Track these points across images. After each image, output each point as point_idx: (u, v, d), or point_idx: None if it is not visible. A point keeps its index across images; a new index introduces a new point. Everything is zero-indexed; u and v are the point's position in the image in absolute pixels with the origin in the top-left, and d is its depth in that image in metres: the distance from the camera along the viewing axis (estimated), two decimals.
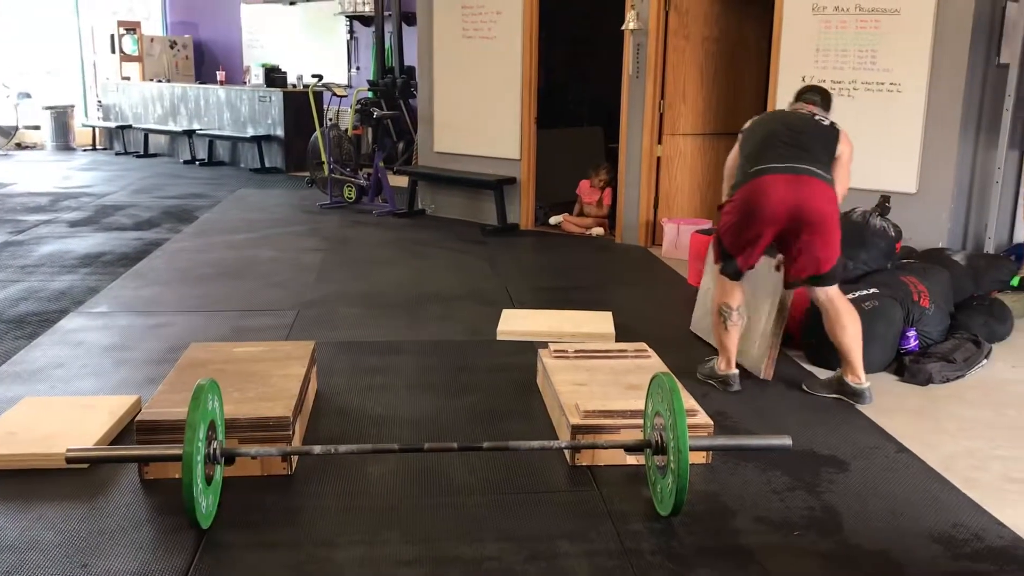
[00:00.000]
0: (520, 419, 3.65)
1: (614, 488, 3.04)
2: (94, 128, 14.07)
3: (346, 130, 9.64)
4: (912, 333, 4.33)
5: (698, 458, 3.18)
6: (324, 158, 9.15)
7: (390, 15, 11.15)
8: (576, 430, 3.18)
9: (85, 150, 13.81)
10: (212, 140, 12.33)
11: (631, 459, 3.15)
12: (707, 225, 6.49)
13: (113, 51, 13.85)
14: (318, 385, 3.92)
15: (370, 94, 10.51)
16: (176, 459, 2.63)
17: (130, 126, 13.37)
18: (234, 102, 12.03)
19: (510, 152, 7.73)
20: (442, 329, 4.92)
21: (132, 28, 13.96)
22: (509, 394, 3.93)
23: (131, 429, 3.29)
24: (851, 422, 3.66)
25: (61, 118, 13.72)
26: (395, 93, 10.68)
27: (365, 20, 12.29)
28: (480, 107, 7.87)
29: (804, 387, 4.02)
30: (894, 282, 4.50)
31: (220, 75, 12.89)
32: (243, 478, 3.01)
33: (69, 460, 2.79)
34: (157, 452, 2.87)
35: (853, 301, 4.19)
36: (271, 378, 3.45)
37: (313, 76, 10.12)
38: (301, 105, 10.98)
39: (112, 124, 13.59)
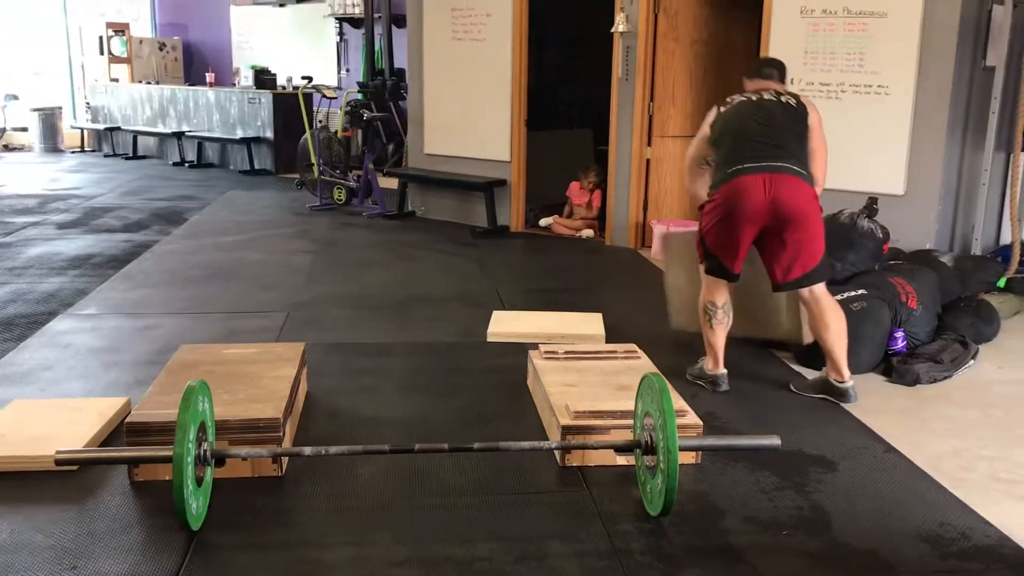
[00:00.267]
0: (510, 420, 3.65)
1: (604, 488, 3.05)
2: (82, 130, 14.02)
3: (336, 132, 9.65)
4: (900, 334, 4.35)
5: (688, 458, 3.19)
6: (314, 160, 9.15)
7: (380, 17, 11.15)
8: (566, 431, 3.19)
9: (73, 152, 13.76)
10: (201, 142, 12.30)
11: (621, 459, 3.16)
12: (696, 227, 6.51)
13: (102, 53, 13.81)
14: (308, 386, 3.92)
15: (360, 96, 10.51)
16: (166, 461, 2.63)
17: (119, 128, 13.34)
18: (223, 104, 12.01)
19: (500, 154, 7.74)
20: (432, 331, 4.92)
21: (121, 30, 13.92)
22: (499, 395, 3.93)
23: (121, 431, 3.29)
24: (839, 422, 3.68)
25: (49, 120, 13.67)
26: (385, 95, 10.68)
27: (355, 22, 12.29)
28: (470, 109, 7.87)
29: (791, 387, 4.04)
30: (882, 283, 4.52)
31: (209, 77, 12.86)
32: (233, 479, 3.01)
33: (58, 462, 2.78)
34: (147, 454, 2.87)
35: (841, 302, 4.22)
36: (261, 379, 3.45)
37: (303, 78, 10.11)
38: (291, 107, 10.97)
39: (101, 126, 13.55)
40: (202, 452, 2.73)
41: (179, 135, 12.35)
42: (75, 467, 3.05)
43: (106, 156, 13.32)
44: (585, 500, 2.98)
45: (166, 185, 10.44)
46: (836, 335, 3.83)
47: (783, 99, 3.85)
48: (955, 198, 5.80)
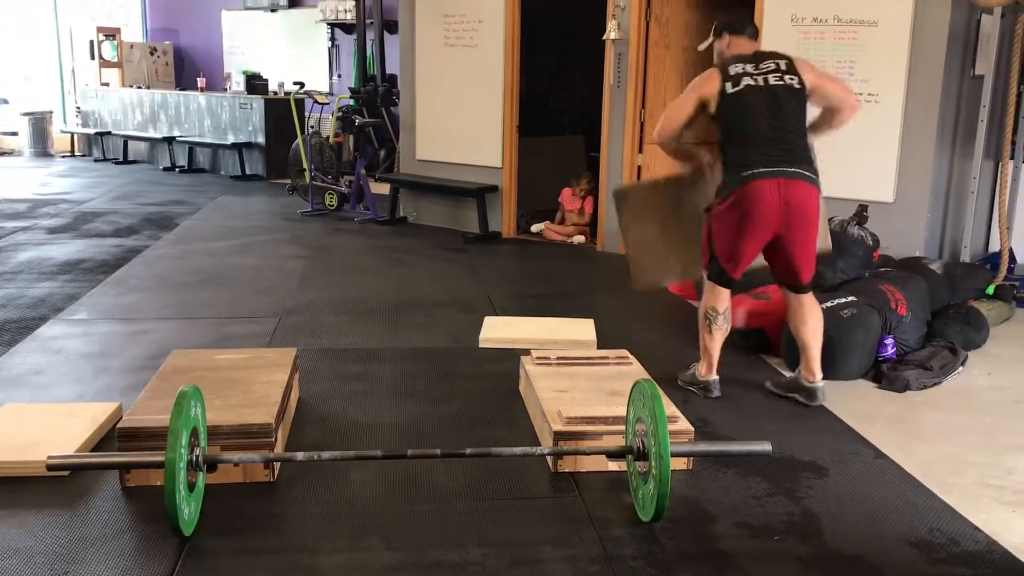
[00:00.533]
0: (502, 426, 3.66)
1: (596, 494, 3.06)
2: (73, 134, 13.98)
3: (327, 137, 9.64)
4: (890, 340, 4.38)
5: (679, 464, 3.20)
6: (306, 165, 9.14)
7: (372, 23, 11.16)
8: (558, 436, 3.20)
9: (63, 156, 13.72)
10: (192, 147, 12.28)
11: (613, 465, 3.17)
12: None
13: (92, 57, 13.77)
14: (300, 392, 3.91)
15: (352, 102, 10.51)
16: (158, 466, 2.63)
17: (109, 132, 13.30)
18: (215, 109, 12.00)
19: (492, 160, 7.75)
20: (424, 336, 4.92)
21: (112, 34, 13.89)
22: (491, 401, 3.94)
23: (112, 436, 3.27)
24: (830, 428, 3.70)
25: (39, 124, 13.63)
26: (377, 101, 10.69)
27: (347, 28, 12.30)
28: (462, 115, 7.89)
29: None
30: (872, 290, 4.55)
31: (200, 82, 12.84)
32: (225, 485, 3.01)
33: (50, 467, 2.78)
34: (139, 459, 2.87)
35: (831, 309, 4.25)
36: (253, 385, 3.45)
37: (295, 83, 10.12)
38: (282, 112, 10.97)
39: (91, 130, 13.51)
40: (194, 457, 2.73)
41: (170, 140, 12.33)
42: (67, 472, 3.04)
43: (96, 161, 13.28)
44: (577, 506, 2.98)
45: (157, 190, 10.42)
46: (812, 332, 3.86)
47: (787, 79, 3.72)
48: (944, 206, 5.84)
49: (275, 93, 11.91)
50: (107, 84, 13.81)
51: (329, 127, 10.00)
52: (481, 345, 4.70)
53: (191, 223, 8.28)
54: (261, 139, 11.46)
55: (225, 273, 6.27)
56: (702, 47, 4.23)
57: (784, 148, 3.67)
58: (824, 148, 4.00)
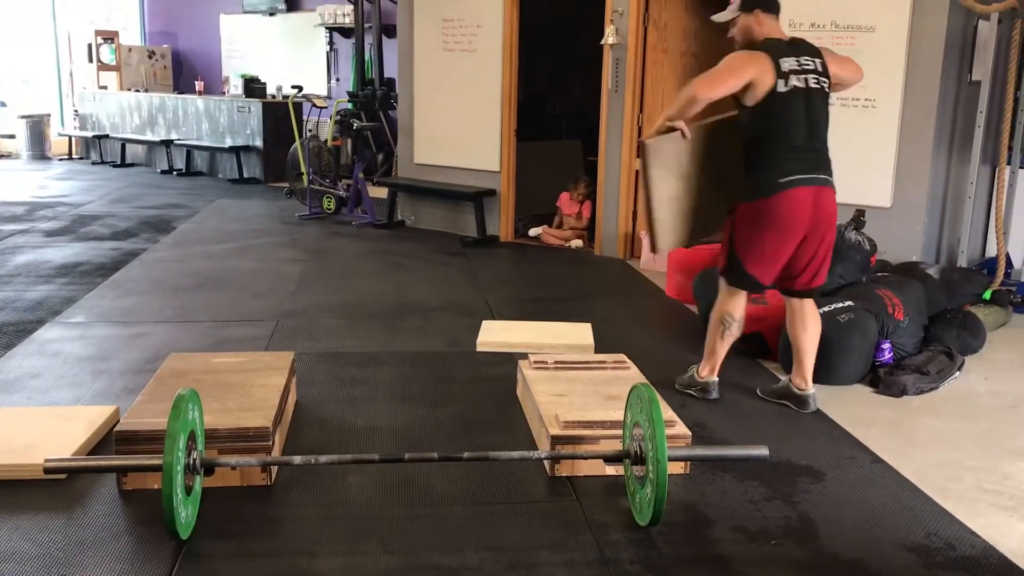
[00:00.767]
0: (500, 430, 3.66)
1: (593, 498, 3.06)
2: (70, 137, 13.98)
3: (326, 141, 9.64)
4: (887, 345, 4.38)
5: (676, 468, 3.20)
6: (304, 169, 9.15)
7: (370, 27, 11.17)
8: (556, 441, 3.20)
9: (61, 159, 13.71)
10: (190, 150, 12.28)
11: (610, 469, 3.17)
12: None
13: (90, 60, 13.78)
14: (298, 395, 3.91)
15: (350, 105, 10.51)
16: (156, 469, 2.62)
17: (107, 136, 13.30)
18: (213, 112, 12.00)
19: (490, 164, 7.76)
20: (422, 340, 4.92)
21: (110, 37, 13.90)
22: (489, 405, 3.94)
23: (109, 440, 3.28)
24: (827, 433, 3.70)
25: (37, 127, 13.63)
26: (375, 104, 10.69)
27: (345, 32, 12.31)
28: (460, 119, 7.90)
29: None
30: (869, 295, 4.56)
31: (199, 85, 12.86)
32: (222, 488, 3.01)
33: (47, 470, 2.78)
34: (137, 462, 2.86)
35: (829, 313, 4.25)
36: (251, 388, 3.44)
37: (293, 87, 10.12)
38: (280, 116, 10.98)
39: (89, 133, 13.51)
40: (191, 461, 2.73)
41: (168, 143, 12.33)
42: (63, 475, 3.04)
43: (94, 164, 13.27)
44: (574, 510, 2.98)
45: (154, 193, 10.41)
46: (810, 339, 3.86)
47: (822, 82, 3.64)
48: (941, 211, 5.85)
49: (273, 97, 11.92)
50: (105, 87, 13.82)
51: (327, 131, 10.01)
52: (479, 349, 4.70)
53: (189, 226, 8.28)
54: (259, 143, 11.46)
55: (223, 276, 6.27)
56: (721, 18, 3.83)
57: (816, 155, 3.67)
58: None
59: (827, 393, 4.05)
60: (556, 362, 3.95)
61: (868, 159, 5.68)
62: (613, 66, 6.96)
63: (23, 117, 13.56)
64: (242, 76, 12.43)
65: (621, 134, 7.02)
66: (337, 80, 12.74)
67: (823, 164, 3.68)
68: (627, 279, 6.64)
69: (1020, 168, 5.91)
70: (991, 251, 5.92)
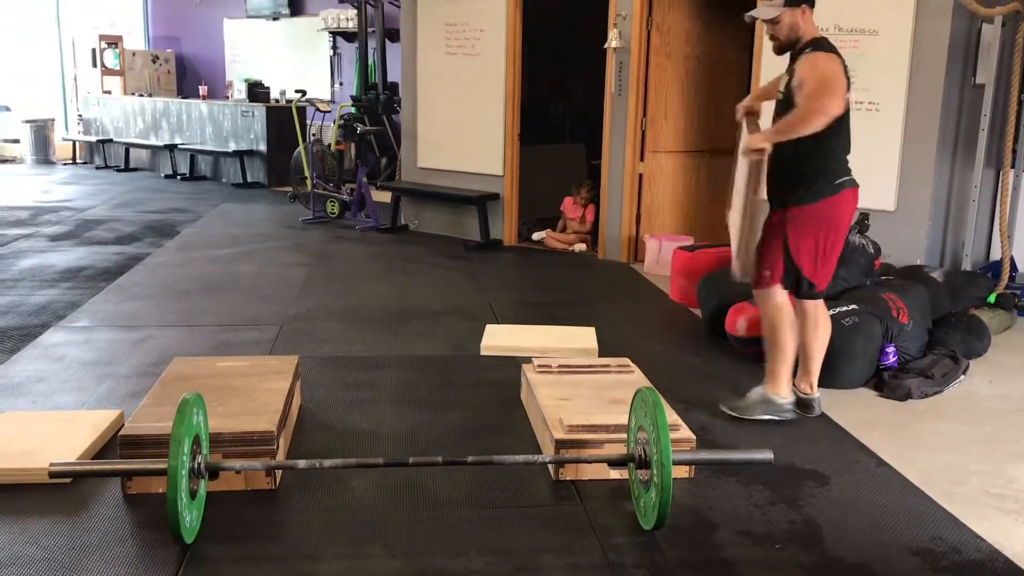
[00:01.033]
0: (504, 434, 3.66)
1: (598, 502, 3.06)
2: (74, 142, 14.01)
3: (329, 145, 9.66)
4: (891, 349, 4.38)
5: (681, 472, 3.20)
6: (307, 173, 9.16)
7: (373, 31, 11.20)
8: (560, 444, 3.20)
9: (65, 164, 13.74)
10: (194, 155, 12.30)
11: (614, 473, 3.17)
12: (689, 241, 6.55)
13: (94, 65, 13.82)
14: (302, 400, 3.92)
15: (353, 110, 10.53)
16: (161, 473, 2.63)
17: (111, 140, 13.33)
18: (216, 117, 12.02)
19: (493, 168, 7.77)
20: (426, 344, 4.92)
21: (114, 42, 13.94)
22: (493, 409, 3.94)
23: (114, 444, 3.28)
24: (831, 437, 3.69)
25: (41, 132, 13.67)
26: (378, 109, 10.71)
27: (348, 36, 12.34)
28: (463, 123, 7.90)
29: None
30: (873, 298, 4.55)
31: (202, 90, 12.89)
32: (227, 493, 3.01)
33: (52, 475, 2.78)
34: (141, 466, 2.87)
35: (833, 317, 4.24)
36: (255, 392, 3.45)
37: (296, 91, 10.14)
38: (284, 120, 10.99)
39: (93, 138, 13.54)
40: (196, 465, 2.73)
41: (172, 148, 12.36)
42: (68, 480, 3.04)
43: (98, 168, 13.30)
44: (579, 514, 2.98)
45: (158, 197, 10.43)
46: (822, 343, 3.84)
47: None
48: (945, 214, 5.85)
49: (277, 101, 11.94)
50: (109, 92, 13.85)
51: (331, 135, 10.02)
52: (482, 353, 4.70)
53: (193, 231, 8.29)
54: (263, 147, 11.48)
55: (227, 281, 6.28)
56: (766, 15, 3.59)
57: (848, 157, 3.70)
58: None
59: (831, 397, 4.04)
60: (560, 366, 3.95)
61: (872, 162, 5.66)
62: (616, 70, 6.97)
63: (27, 122, 13.59)
64: (246, 80, 12.46)
65: (624, 138, 7.02)
66: (341, 84, 12.77)
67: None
68: (631, 283, 6.64)
69: None
70: (995, 254, 5.91)
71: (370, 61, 11.34)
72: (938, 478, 3.31)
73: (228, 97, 13.33)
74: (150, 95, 13.46)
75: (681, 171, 7.31)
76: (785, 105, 3.58)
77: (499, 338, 4.84)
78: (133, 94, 13.59)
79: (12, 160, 13.79)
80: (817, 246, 3.64)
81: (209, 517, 2.84)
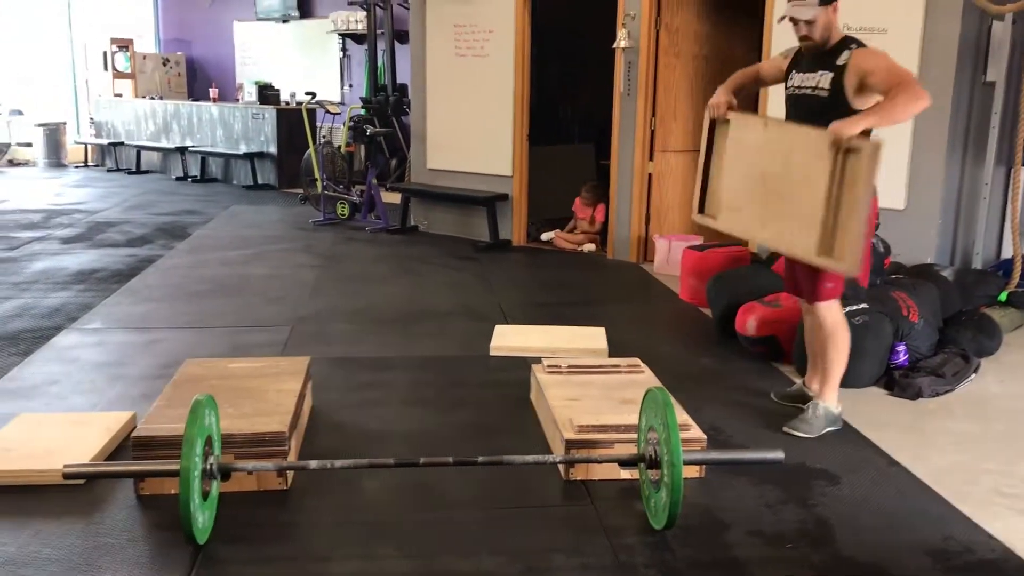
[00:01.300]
0: (514, 434, 3.67)
1: (608, 502, 3.06)
2: (86, 145, 14.08)
3: (339, 147, 9.69)
4: (902, 348, 4.37)
5: (691, 472, 3.20)
6: (317, 175, 9.19)
7: (383, 33, 11.22)
8: (570, 445, 3.20)
9: (77, 167, 13.81)
10: (205, 157, 12.35)
11: (625, 473, 3.17)
12: (698, 241, 6.54)
13: (106, 68, 13.89)
14: (313, 400, 3.93)
15: (363, 111, 10.56)
16: (173, 474, 2.65)
17: (122, 143, 13.39)
18: (227, 119, 12.07)
19: (502, 169, 7.78)
20: (436, 345, 4.94)
21: (125, 45, 14.00)
22: (503, 409, 3.95)
23: (126, 445, 3.31)
24: (842, 436, 3.69)
25: (53, 135, 13.74)
26: (388, 110, 10.73)
27: (358, 38, 12.36)
28: (473, 124, 7.92)
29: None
30: (884, 297, 4.54)
31: (213, 92, 12.94)
32: (239, 493, 3.02)
33: (66, 476, 2.80)
34: (154, 468, 2.89)
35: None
36: (266, 394, 3.46)
37: (306, 93, 10.16)
38: (294, 122, 11.02)
39: (104, 141, 13.61)
40: (208, 466, 2.75)
41: (182, 150, 12.41)
42: (82, 481, 3.06)
43: (110, 171, 13.37)
44: (589, 514, 2.99)
45: (169, 200, 10.48)
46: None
47: None
48: (956, 212, 5.82)
49: (287, 103, 11.99)
50: (120, 95, 13.92)
51: (341, 137, 10.05)
52: (492, 354, 4.71)
53: (204, 232, 8.32)
54: (273, 149, 11.52)
55: (238, 282, 6.31)
56: (805, 15, 3.47)
57: None
58: None
59: (842, 396, 4.03)
60: (570, 366, 3.95)
61: (882, 161, 5.65)
62: (625, 70, 6.97)
63: (39, 125, 13.67)
64: (256, 83, 12.51)
65: (633, 138, 7.02)
66: (350, 86, 12.79)
67: None
68: (640, 283, 6.64)
69: None
70: (1006, 253, 5.88)
71: (379, 63, 11.36)
72: (950, 477, 3.30)
73: (238, 99, 13.39)
74: (161, 98, 13.52)
75: (691, 171, 7.29)
76: (832, 103, 3.46)
77: (509, 338, 4.85)
78: (144, 97, 13.65)
79: (25, 163, 13.87)
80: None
81: (221, 518, 2.86)
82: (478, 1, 7.69)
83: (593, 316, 5.41)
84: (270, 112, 11.50)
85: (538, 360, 4.13)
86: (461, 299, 5.97)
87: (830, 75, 3.49)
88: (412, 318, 5.45)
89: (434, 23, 8.05)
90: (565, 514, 3.01)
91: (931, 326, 4.57)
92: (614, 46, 6.96)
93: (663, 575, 2.62)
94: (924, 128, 5.55)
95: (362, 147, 9.86)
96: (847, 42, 3.52)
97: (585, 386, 3.72)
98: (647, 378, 3.84)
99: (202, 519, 2.69)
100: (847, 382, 4.16)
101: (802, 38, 3.57)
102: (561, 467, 3.24)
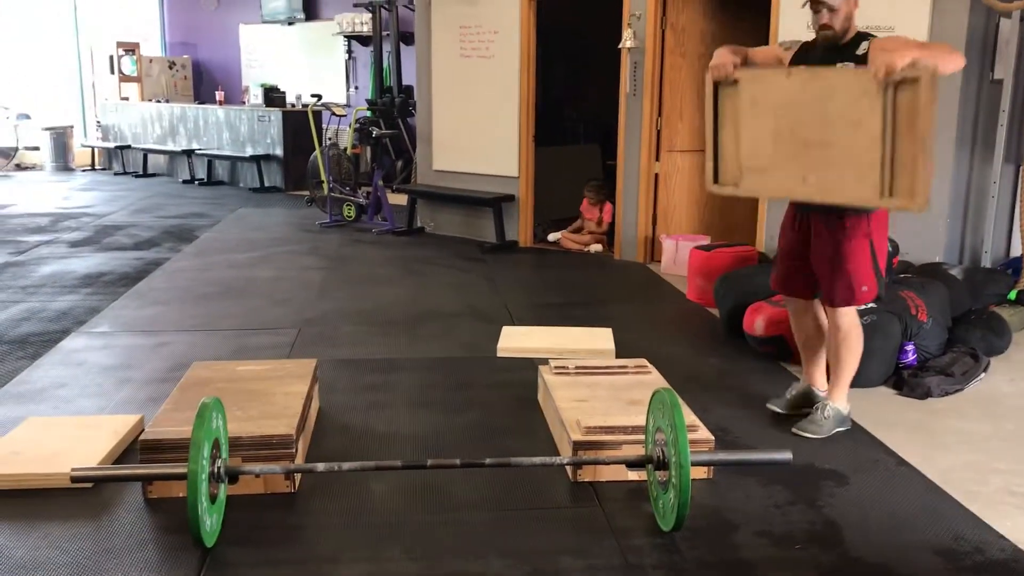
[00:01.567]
0: (521, 435, 3.66)
1: (616, 504, 3.05)
2: (93, 148, 14.12)
3: (345, 149, 9.69)
4: (910, 347, 4.35)
5: (699, 473, 3.19)
6: (323, 177, 9.19)
7: (388, 35, 11.23)
8: (578, 446, 3.20)
9: (84, 170, 13.85)
10: (211, 160, 12.38)
11: (633, 475, 3.16)
12: (705, 241, 6.53)
13: (112, 72, 13.92)
14: (320, 403, 3.93)
15: (369, 113, 10.57)
16: (180, 478, 2.65)
17: (129, 146, 13.43)
18: (233, 122, 12.09)
19: (509, 170, 7.78)
20: (442, 346, 4.93)
21: (131, 49, 14.04)
22: (510, 411, 3.94)
23: (134, 448, 3.31)
24: (851, 436, 3.67)
25: (60, 139, 13.79)
26: (394, 112, 10.74)
27: (363, 40, 12.37)
28: (478, 125, 7.92)
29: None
30: (892, 296, 4.52)
31: (219, 95, 12.96)
32: (246, 496, 3.02)
33: (74, 479, 2.81)
34: (162, 471, 2.89)
35: None
36: (274, 396, 3.47)
37: (312, 96, 10.18)
38: (300, 125, 11.03)
39: (111, 144, 13.65)
40: (216, 469, 2.75)
41: (189, 153, 12.43)
42: (90, 484, 3.07)
43: (117, 174, 13.41)
44: (597, 515, 2.98)
45: (176, 203, 10.50)
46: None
47: None
48: (964, 211, 5.80)
49: (293, 105, 12.00)
50: (127, 98, 13.96)
51: (347, 139, 10.05)
52: (499, 355, 4.71)
53: (211, 235, 8.34)
54: (279, 151, 11.53)
55: (245, 285, 6.31)
56: (835, 1, 3.44)
57: None
58: None
59: (851, 396, 4.01)
60: (577, 367, 3.94)
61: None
62: (631, 70, 6.96)
63: (47, 129, 13.72)
64: (262, 85, 12.53)
65: (639, 138, 7.01)
66: (356, 88, 12.81)
67: None
68: (647, 283, 6.63)
69: None
70: (1016, 251, 5.86)
71: (385, 64, 11.37)
72: (959, 477, 3.29)
73: (244, 102, 13.39)
74: (167, 101, 13.55)
75: (697, 170, 7.28)
76: None
77: (516, 340, 4.85)
78: (150, 100, 13.69)
79: (32, 167, 13.92)
80: (884, 249, 3.61)
81: (229, 521, 2.86)
82: (483, 2, 7.69)
83: (600, 317, 5.41)
84: (276, 114, 11.51)
85: (545, 361, 4.12)
86: (468, 300, 5.97)
87: (852, 65, 3.42)
88: (419, 319, 5.45)
89: (439, 24, 8.05)
90: (573, 516, 3.00)
91: (940, 325, 4.55)
92: (620, 46, 6.95)
93: None
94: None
95: (368, 149, 9.86)
96: (863, 35, 3.49)
97: (592, 387, 3.71)
98: (654, 379, 3.84)
99: (210, 522, 2.69)
100: (856, 382, 4.15)
101: (821, 27, 3.49)
102: (569, 469, 3.23)
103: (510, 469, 3.19)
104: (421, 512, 3.01)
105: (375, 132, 9.30)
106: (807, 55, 3.62)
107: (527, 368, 4.34)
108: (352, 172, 9.51)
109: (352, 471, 3.08)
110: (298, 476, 3.14)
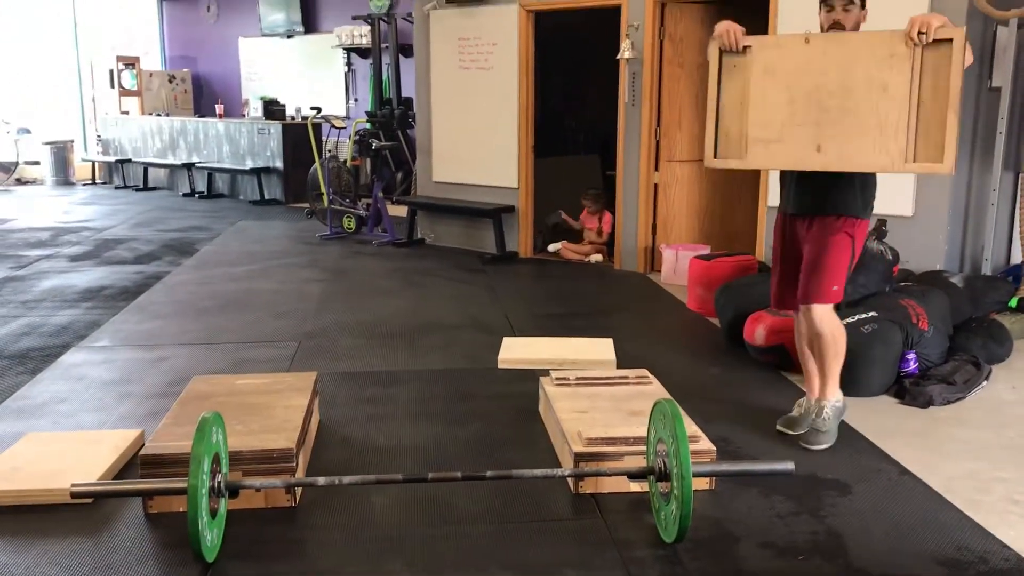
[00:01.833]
0: (522, 447, 3.65)
1: (618, 515, 3.04)
2: (94, 162, 14.15)
3: (345, 161, 9.71)
4: (912, 356, 4.34)
5: (701, 484, 3.18)
6: (323, 189, 9.21)
7: (387, 47, 11.25)
8: (579, 458, 3.19)
9: (85, 184, 13.88)
10: (211, 173, 12.40)
11: (634, 486, 3.15)
12: (705, 250, 6.53)
13: (112, 86, 13.97)
14: (320, 416, 3.92)
15: (368, 125, 10.59)
16: (181, 492, 2.64)
17: (129, 160, 13.46)
18: (233, 135, 12.11)
19: (508, 181, 7.78)
20: (443, 358, 4.93)
21: (131, 63, 14.09)
22: (511, 422, 3.93)
23: (135, 463, 3.30)
24: (853, 445, 3.66)
25: (61, 153, 13.82)
26: (393, 124, 10.76)
27: (362, 52, 12.41)
28: (478, 137, 7.93)
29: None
30: (893, 305, 4.52)
31: (219, 108, 12.99)
32: (247, 511, 3.01)
33: (74, 495, 2.80)
34: (162, 486, 2.87)
35: (852, 324, 4.22)
36: (274, 410, 3.46)
37: (311, 108, 10.21)
38: (300, 137, 11.05)
39: (111, 158, 13.68)
40: (216, 484, 2.74)
41: (189, 166, 12.45)
42: (90, 500, 3.06)
43: (117, 188, 13.43)
44: (599, 527, 2.97)
45: (177, 216, 10.51)
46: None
47: None
48: (964, 219, 5.80)
49: (292, 118, 12.02)
50: (127, 112, 14.00)
51: (346, 151, 10.07)
52: (500, 366, 4.70)
53: (211, 248, 8.34)
54: (279, 164, 11.55)
55: (245, 298, 6.31)
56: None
57: None
58: None
59: (852, 405, 4.00)
60: (578, 378, 3.94)
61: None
62: (629, 80, 6.97)
63: (47, 143, 13.75)
64: (261, 98, 12.56)
65: (639, 148, 7.02)
66: (355, 100, 12.84)
67: None
68: (648, 293, 6.62)
69: None
70: (1016, 258, 5.86)
71: (384, 77, 11.39)
72: (962, 486, 3.28)
73: (244, 115, 13.43)
74: (167, 114, 13.59)
75: (696, 180, 7.30)
76: None
77: (516, 351, 4.84)
78: (150, 114, 13.73)
79: (33, 181, 13.94)
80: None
81: (230, 535, 2.85)
82: (482, 14, 7.72)
83: (601, 327, 5.40)
84: (276, 127, 11.53)
85: (546, 372, 4.12)
86: (468, 311, 5.96)
87: None
88: (419, 331, 5.45)
89: (438, 36, 8.08)
90: (575, 528, 2.99)
91: (941, 333, 4.55)
92: (618, 57, 6.96)
93: None
94: None
95: (368, 161, 9.88)
96: None
97: (593, 398, 3.71)
98: (655, 389, 3.83)
99: (210, 537, 2.68)
100: (857, 391, 4.16)
101: (832, 25, 3.49)
102: (570, 480, 3.22)
103: (511, 481, 3.18)
104: (422, 525, 3.00)
105: (375, 144, 9.31)
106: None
107: (528, 379, 4.34)
108: (352, 184, 9.53)
109: (353, 485, 3.07)
110: (299, 490, 3.13)
